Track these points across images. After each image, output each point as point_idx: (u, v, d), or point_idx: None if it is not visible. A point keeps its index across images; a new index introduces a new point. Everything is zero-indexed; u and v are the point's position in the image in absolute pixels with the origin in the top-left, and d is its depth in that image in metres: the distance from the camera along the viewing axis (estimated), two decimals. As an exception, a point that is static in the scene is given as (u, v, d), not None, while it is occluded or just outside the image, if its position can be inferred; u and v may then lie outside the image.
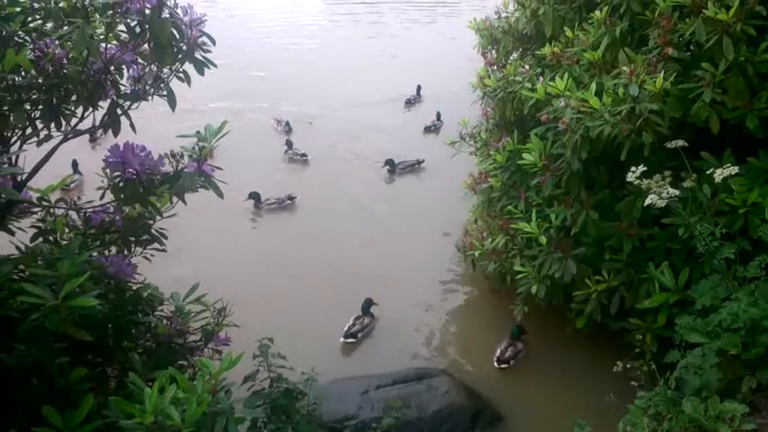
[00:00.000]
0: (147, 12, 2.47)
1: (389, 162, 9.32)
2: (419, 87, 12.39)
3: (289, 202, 8.46)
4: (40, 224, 2.88)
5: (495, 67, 6.02)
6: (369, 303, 6.09)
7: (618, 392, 4.20)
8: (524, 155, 4.98)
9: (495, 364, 5.42)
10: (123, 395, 2.12)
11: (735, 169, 3.32)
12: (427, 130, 10.93)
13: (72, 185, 8.29)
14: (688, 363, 3.65)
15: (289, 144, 10.06)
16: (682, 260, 4.56)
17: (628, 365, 3.66)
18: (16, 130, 2.56)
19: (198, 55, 2.73)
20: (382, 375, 5.04)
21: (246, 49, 15.32)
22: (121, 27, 2.51)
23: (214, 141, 2.61)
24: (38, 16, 2.56)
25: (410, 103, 12.26)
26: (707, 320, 3.78)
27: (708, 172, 3.52)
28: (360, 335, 5.90)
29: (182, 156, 2.69)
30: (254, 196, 8.28)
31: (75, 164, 8.59)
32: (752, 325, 3.52)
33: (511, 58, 6.34)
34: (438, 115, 10.99)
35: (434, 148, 9.46)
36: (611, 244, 4.84)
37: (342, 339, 5.86)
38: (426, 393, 4.82)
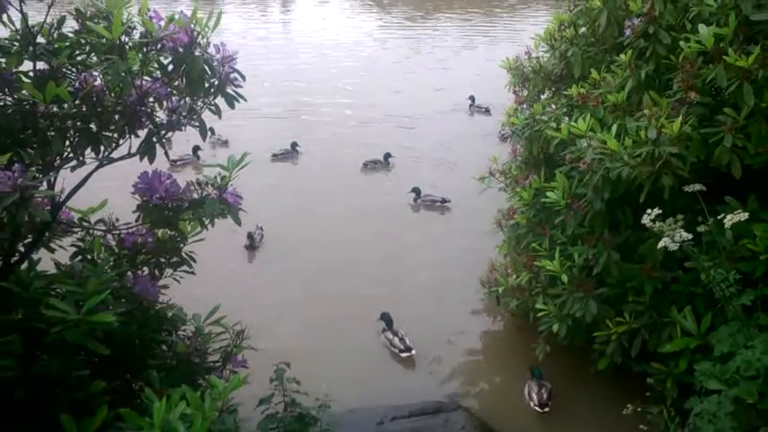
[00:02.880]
0: (180, 50, 2.68)
1: (416, 190, 9.43)
2: (473, 98, 13.51)
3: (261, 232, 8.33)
4: (80, 243, 3.07)
5: (524, 106, 6.13)
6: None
7: (636, 437, 4.16)
8: (548, 193, 5.04)
9: (539, 409, 5.29)
10: (140, 409, 2.24)
11: (745, 215, 3.32)
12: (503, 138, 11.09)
13: (179, 163, 10.41)
14: (703, 409, 3.62)
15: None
16: (705, 305, 4.51)
17: (639, 409, 3.64)
18: (57, 156, 2.77)
19: (229, 90, 2.93)
20: (399, 407, 5.08)
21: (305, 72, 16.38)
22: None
23: (235, 171, 2.79)
24: (81, 51, 2.80)
25: (479, 109, 13.54)
26: (725, 367, 3.74)
27: (719, 217, 3.52)
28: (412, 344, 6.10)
29: (206, 184, 2.88)
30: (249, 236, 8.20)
31: (195, 148, 10.62)
32: (768, 374, 3.48)
33: (542, 97, 6.43)
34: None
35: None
36: (633, 285, 4.83)
37: (404, 354, 6.03)
38: (442, 427, 4.84)
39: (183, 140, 9.56)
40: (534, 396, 5.37)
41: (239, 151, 2.86)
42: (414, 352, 6.05)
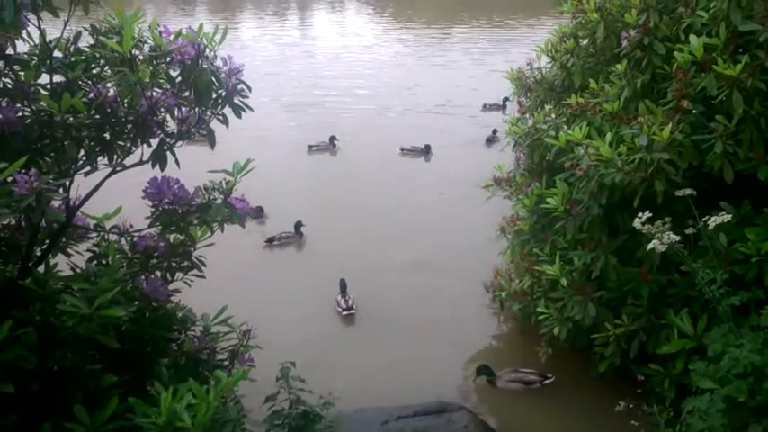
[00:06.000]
0: (188, 62, 2.84)
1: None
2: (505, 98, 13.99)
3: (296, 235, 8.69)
4: (95, 249, 3.23)
5: (527, 115, 6.26)
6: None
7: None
8: (548, 199, 5.16)
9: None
10: (150, 401, 2.38)
11: (728, 217, 3.43)
12: None
13: (315, 149, 12.01)
14: (694, 407, 3.72)
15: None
16: (701, 307, 4.61)
17: (631, 406, 3.74)
18: (72, 164, 2.94)
19: (236, 100, 3.08)
20: (404, 407, 5.18)
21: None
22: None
23: (239, 177, 2.95)
24: (96, 64, 2.98)
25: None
26: (717, 366, 3.83)
27: (704, 219, 3.63)
28: (355, 306, 6.81)
29: (212, 189, 3.03)
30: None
31: (332, 138, 12.03)
32: (759, 372, 3.57)
33: (546, 107, 6.55)
34: None
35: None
36: (631, 289, 4.92)
37: (344, 313, 6.75)
38: (445, 426, 4.94)
39: (322, 130, 11.88)
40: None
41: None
42: (354, 311, 6.76)
